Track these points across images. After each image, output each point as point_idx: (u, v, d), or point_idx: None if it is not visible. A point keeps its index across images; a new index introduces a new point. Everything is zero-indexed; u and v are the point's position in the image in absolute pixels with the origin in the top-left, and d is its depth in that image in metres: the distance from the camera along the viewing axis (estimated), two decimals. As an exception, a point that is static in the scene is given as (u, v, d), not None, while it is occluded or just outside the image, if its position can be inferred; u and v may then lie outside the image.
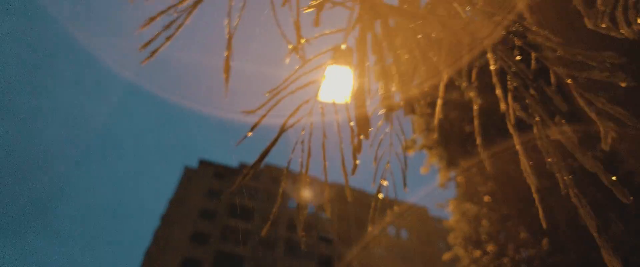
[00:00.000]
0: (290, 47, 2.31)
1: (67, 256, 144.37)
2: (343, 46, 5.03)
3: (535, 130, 1.89)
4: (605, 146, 1.51)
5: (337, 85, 4.96)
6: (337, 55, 4.89)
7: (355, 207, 52.19)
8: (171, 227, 40.80)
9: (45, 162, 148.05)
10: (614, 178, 1.52)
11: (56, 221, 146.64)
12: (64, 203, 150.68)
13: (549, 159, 1.66)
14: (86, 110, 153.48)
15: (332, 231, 47.62)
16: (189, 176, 47.58)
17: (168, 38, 2.16)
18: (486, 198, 9.68)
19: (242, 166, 50.49)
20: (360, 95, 2.14)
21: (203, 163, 49.68)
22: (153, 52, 2.08)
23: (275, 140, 2.33)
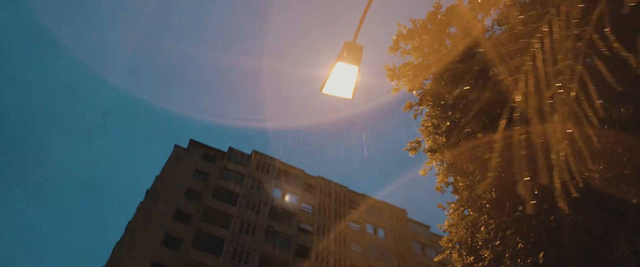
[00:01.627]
0: None
1: (48, 221, 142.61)
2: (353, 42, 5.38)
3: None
4: None
5: (342, 81, 5.33)
6: (346, 52, 5.24)
7: (337, 203, 52.77)
8: (156, 202, 40.89)
9: (34, 129, 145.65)
10: None
11: (40, 186, 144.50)
12: (50, 170, 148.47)
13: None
14: (81, 80, 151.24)
15: (312, 223, 48.15)
16: (178, 154, 47.62)
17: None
18: (487, 205, 10.02)
19: (231, 151, 50.71)
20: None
21: (193, 143, 49.78)
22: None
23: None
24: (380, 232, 53.90)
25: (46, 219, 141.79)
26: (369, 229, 53.39)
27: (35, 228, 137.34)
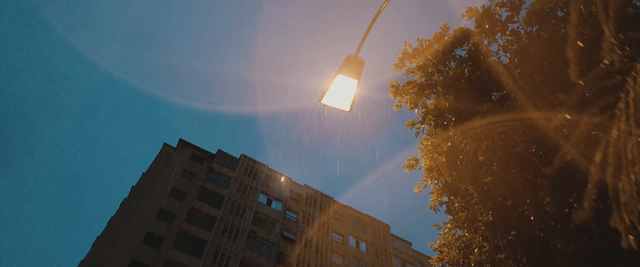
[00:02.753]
0: None
1: (31, 213, 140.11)
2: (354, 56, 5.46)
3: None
4: None
5: (341, 93, 5.41)
6: (347, 65, 5.31)
7: (321, 213, 52.68)
8: (140, 200, 40.44)
9: (22, 119, 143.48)
10: None
11: (24, 177, 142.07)
12: (36, 163, 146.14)
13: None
14: (73, 70, 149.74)
15: (295, 231, 47.98)
16: (166, 153, 47.24)
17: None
18: (483, 227, 10.11)
19: (220, 153, 50.46)
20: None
21: (182, 143, 49.44)
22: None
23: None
24: (362, 246, 53.86)
25: (31, 212, 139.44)
26: (352, 242, 53.33)
27: (21, 220, 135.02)
